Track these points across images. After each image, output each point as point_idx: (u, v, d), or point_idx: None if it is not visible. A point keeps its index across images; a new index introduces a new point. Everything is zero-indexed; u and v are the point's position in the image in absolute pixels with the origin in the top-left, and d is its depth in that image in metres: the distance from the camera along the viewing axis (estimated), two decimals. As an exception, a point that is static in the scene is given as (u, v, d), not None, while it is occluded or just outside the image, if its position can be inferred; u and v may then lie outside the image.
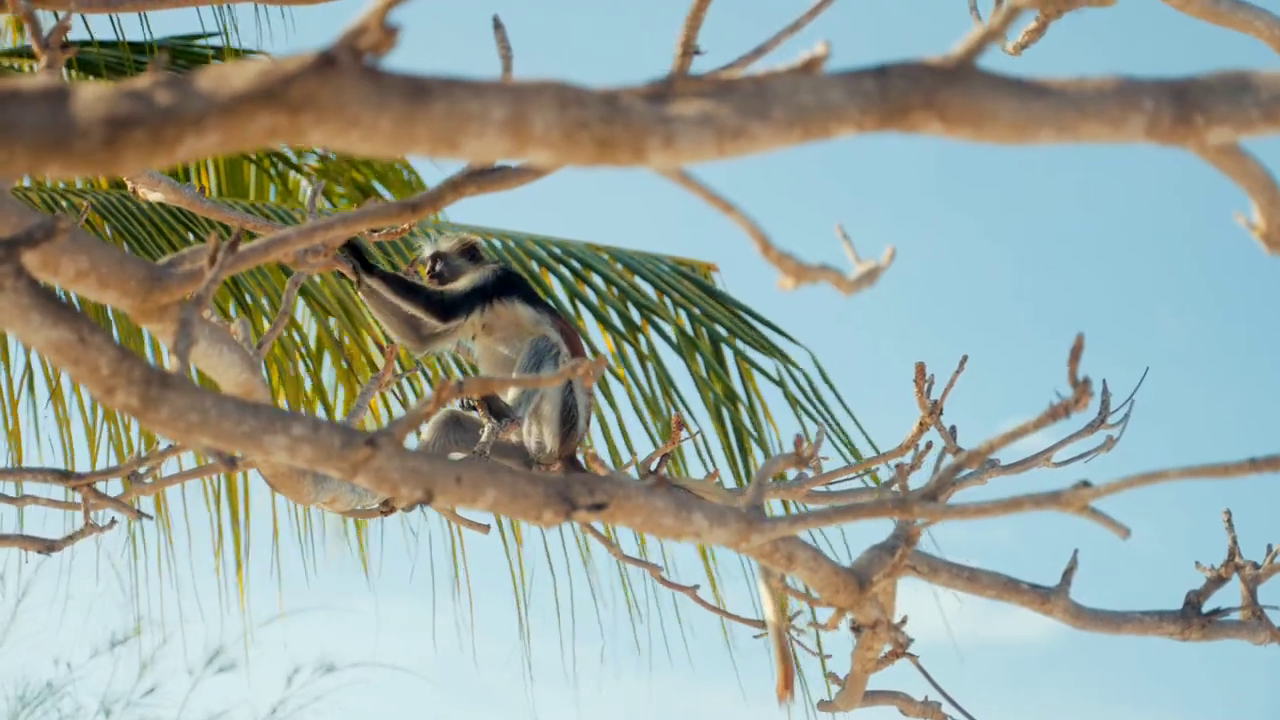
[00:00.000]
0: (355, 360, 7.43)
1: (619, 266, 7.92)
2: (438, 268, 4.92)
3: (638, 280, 7.90)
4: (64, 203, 7.15)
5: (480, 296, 4.84)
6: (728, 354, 7.72)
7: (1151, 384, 4.00)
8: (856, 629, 2.67)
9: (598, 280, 7.81)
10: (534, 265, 7.83)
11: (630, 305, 7.75)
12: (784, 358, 7.64)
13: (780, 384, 7.56)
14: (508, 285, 4.91)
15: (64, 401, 7.26)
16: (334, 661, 13.00)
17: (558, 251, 7.93)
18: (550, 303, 5.13)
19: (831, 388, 7.53)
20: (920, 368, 3.71)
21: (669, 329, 7.69)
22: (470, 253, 4.94)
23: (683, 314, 7.78)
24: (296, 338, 7.46)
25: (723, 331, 7.73)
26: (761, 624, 3.49)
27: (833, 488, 4.01)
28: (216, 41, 8.11)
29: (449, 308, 4.80)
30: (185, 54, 8.09)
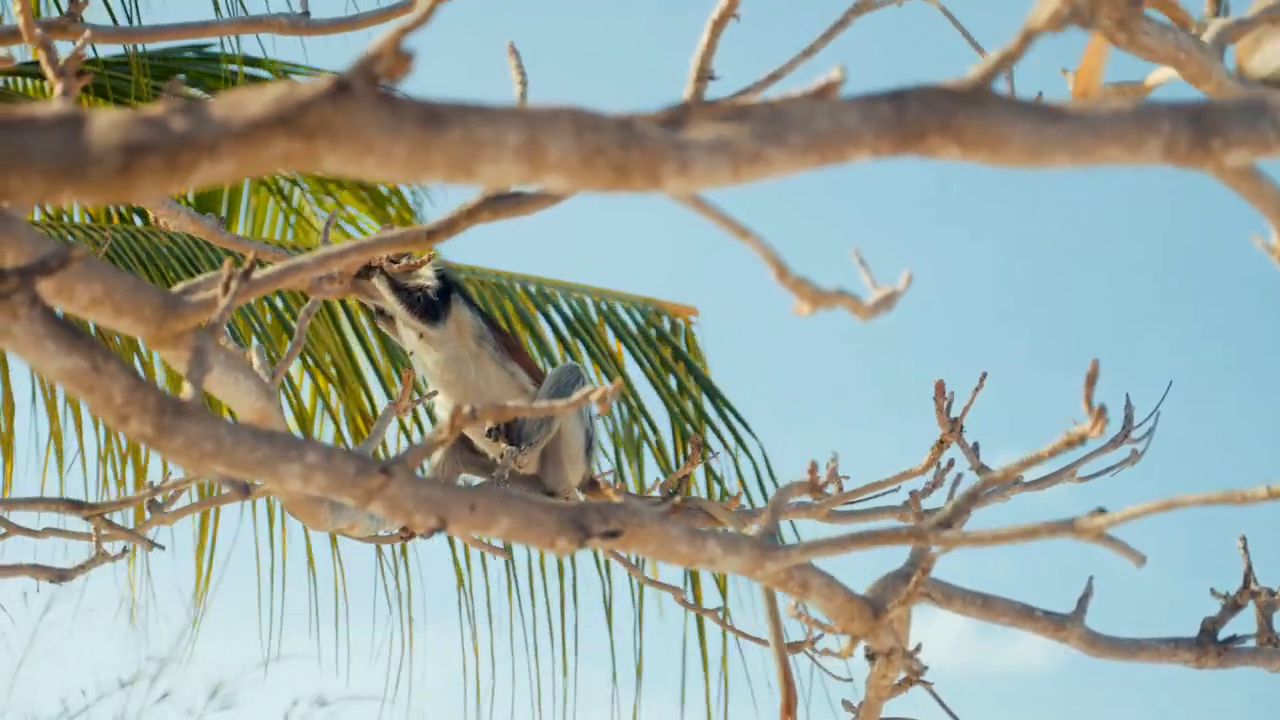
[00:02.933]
0: (349, 412, 7.42)
1: (594, 315, 7.92)
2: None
3: (609, 336, 7.91)
4: (71, 237, 7.16)
5: (446, 294, 4.73)
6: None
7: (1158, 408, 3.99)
8: (871, 656, 2.66)
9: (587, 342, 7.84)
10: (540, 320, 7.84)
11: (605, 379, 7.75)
12: (741, 444, 7.67)
13: (719, 480, 7.59)
14: (454, 283, 4.78)
15: (62, 429, 7.26)
16: (325, 696, 12.92)
17: (536, 294, 7.94)
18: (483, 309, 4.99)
19: (774, 481, 7.54)
20: (940, 385, 3.69)
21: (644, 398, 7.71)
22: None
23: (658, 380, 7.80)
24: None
25: (691, 408, 7.75)
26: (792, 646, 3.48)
27: (853, 507, 3.99)
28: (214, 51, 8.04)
29: (430, 311, 4.69)
30: (171, 69, 8.00)
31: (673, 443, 7.68)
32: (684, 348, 7.96)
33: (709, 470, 7.60)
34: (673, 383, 7.80)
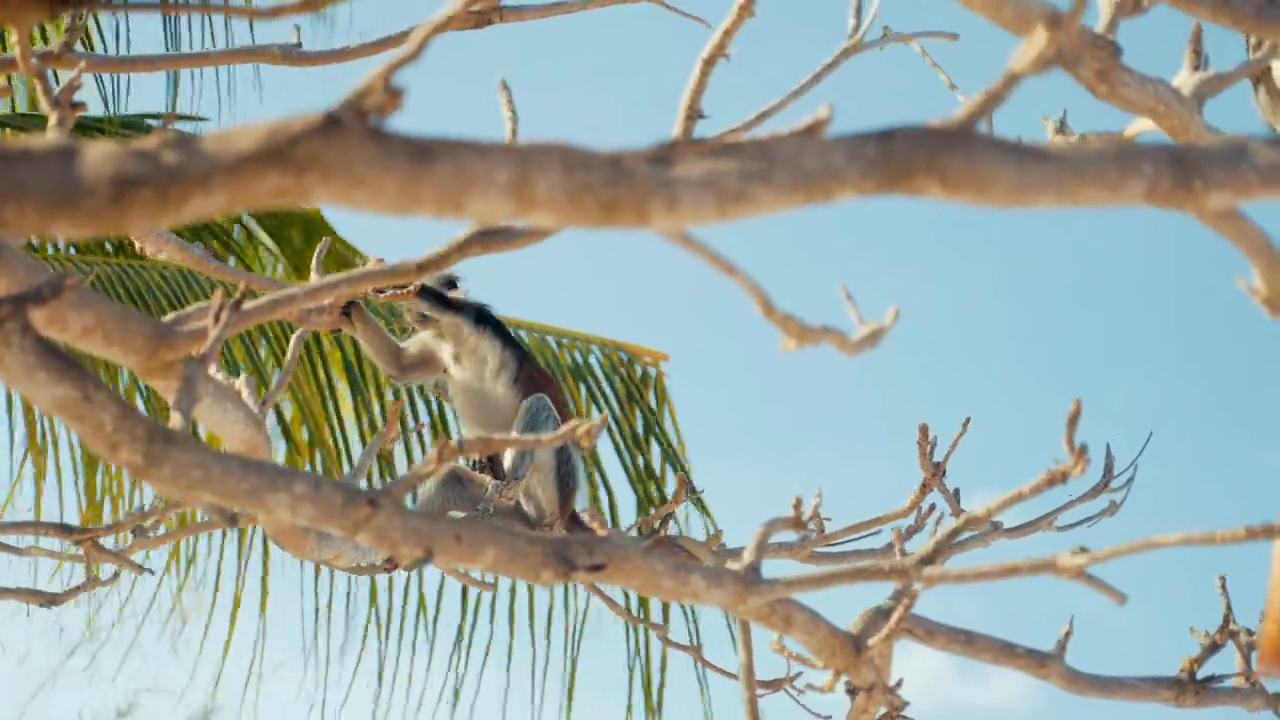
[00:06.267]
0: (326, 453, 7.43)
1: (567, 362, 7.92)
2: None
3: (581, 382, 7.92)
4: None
5: (465, 311, 4.91)
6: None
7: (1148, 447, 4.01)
8: (852, 692, 2.67)
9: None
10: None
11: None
12: (702, 506, 7.67)
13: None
14: (485, 317, 4.97)
15: (54, 454, 7.24)
16: None
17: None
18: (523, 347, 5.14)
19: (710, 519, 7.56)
20: (923, 430, 3.71)
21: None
22: (451, 284, 4.98)
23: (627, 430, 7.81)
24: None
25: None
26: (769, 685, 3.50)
27: (834, 548, 4.01)
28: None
29: (441, 298, 4.86)
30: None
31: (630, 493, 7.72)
32: (653, 399, 7.97)
33: (702, 507, 7.62)
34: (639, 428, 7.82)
